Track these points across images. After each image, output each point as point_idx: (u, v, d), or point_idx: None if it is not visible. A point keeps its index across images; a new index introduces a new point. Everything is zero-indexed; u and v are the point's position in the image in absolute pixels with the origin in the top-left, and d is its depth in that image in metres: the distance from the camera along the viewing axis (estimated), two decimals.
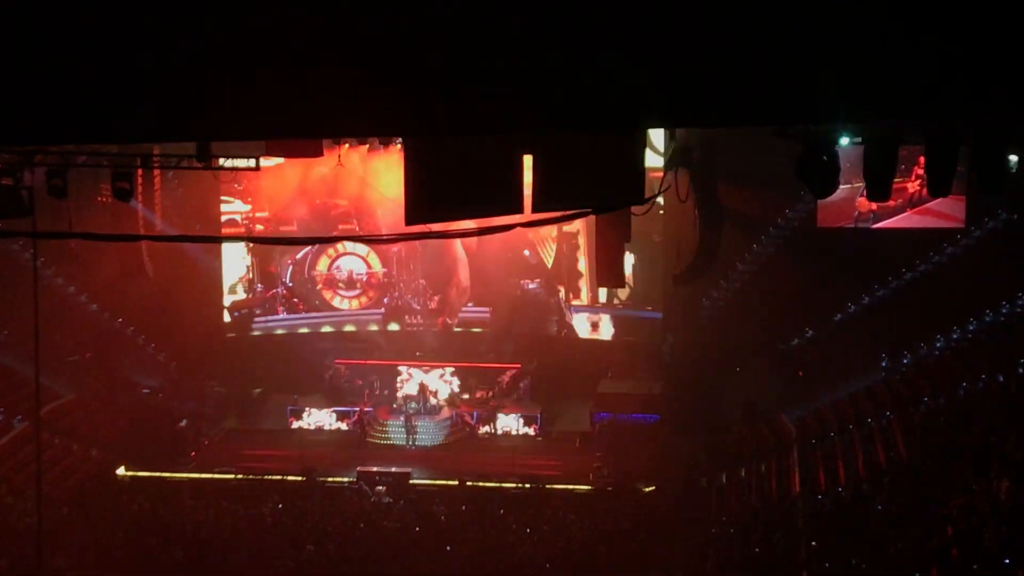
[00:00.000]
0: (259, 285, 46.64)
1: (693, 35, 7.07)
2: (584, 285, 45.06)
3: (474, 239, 44.45)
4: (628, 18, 6.97)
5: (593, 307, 45.03)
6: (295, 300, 47.14)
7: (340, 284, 47.30)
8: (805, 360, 40.78)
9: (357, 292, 47.35)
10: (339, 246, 46.42)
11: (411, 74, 7.02)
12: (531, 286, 45.58)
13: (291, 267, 47.05)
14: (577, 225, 43.38)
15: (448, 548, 31.82)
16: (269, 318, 46.65)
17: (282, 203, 44.88)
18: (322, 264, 47.26)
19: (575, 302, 45.34)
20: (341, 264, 47.24)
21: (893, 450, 32.36)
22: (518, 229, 43.12)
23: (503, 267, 45.36)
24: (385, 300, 47.10)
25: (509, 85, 7.16)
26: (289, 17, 6.86)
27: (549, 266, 45.31)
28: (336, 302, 47.44)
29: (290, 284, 47.07)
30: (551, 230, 43.96)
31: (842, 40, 7.08)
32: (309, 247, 46.41)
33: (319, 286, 47.29)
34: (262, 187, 43.43)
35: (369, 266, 47.21)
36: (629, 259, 32.80)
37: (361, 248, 46.60)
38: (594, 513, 34.11)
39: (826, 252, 37.67)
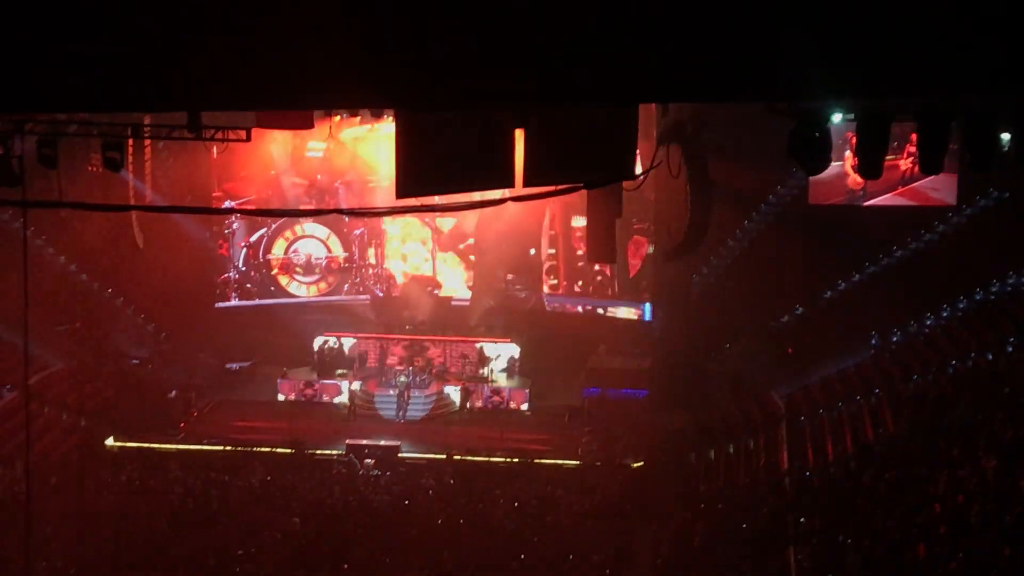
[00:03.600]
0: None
1: (686, 11, 7.05)
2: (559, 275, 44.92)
3: (473, 225, 44.30)
4: None
5: (571, 297, 44.75)
6: (248, 285, 45.68)
7: (297, 269, 45.94)
8: (795, 337, 40.81)
9: (316, 278, 46.14)
10: (297, 229, 45.36)
11: (404, 47, 7.00)
12: (516, 283, 45.22)
13: (244, 250, 45.59)
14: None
15: (438, 521, 31.87)
16: (222, 304, 45.46)
17: (238, 181, 43.51)
18: (278, 247, 45.87)
19: (548, 293, 45.09)
20: (299, 248, 45.95)
21: (881, 427, 32.41)
22: (527, 222, 43.34)
23: (492, 255, 44.94)
24: (345, 287, 46.32)
25: (502, 59, 7.14)
26: None
27: (543, 263, 44.82)
28: (293, 288, 46.13)
29: (243, 268, 45.59)
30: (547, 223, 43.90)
31: (834, 17, 7.07)
32: (265, 229, 45.09)
33: (274, 271, 45.93)
34: (215, 165, 42.17)
35: (329, 250, 45.99)
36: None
37: (321, 231, 45.44)
38: (582, 488, 34.18)
39: (817, 229, 37.65)
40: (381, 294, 45.93)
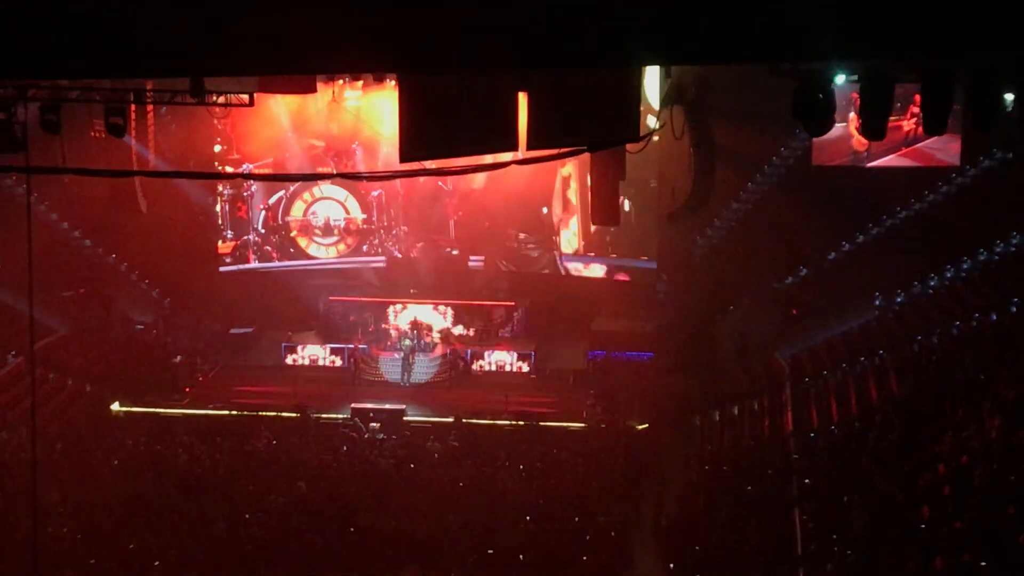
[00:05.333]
0: (229, 232, 45.47)
1: None
2: (577, 235, 44.72)
3: (482, 185, 44.20)
4: None
5: (586, 256, 44.66)
6: (267, 248, 45.87)
7: (316, 231, 46.07)
8: (799, 298, 40.82)
9: (335, 239, 46.20)
10: (316, 191, 45.44)
11: (406, 10, 6.99)
12: (528, 242, 45.12)
13: (264, 213, 45.79)
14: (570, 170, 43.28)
15: (443, 485, 31.91)
16: (241, 266, 45.59)
17: (256, 142, 43.56)
18: (297, 210, 46.03)
19: (566, 251, 44.95)
20: (317, 210, 46.07)
21: (885, 388, 32.45)
22: (539, 183, 43.20)
23: (504, 216, 44.85)
24: (364, 248, 46.30)
25: (505, 22, 7.13)
26: None
27: (556, 223, 44.68)
28: (312, 250, 46.27)
29: (262, 231, 45.85)
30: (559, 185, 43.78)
31: None
32: (283, 191, 45.22)
33: (293, 232, 46.09)
34: (235, 125, 42.38)
35: (347, 211, 46.04)
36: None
37: (339, 193, 45.53)
38: (587, 450, 34.23)
39: (821, 190, 37.56)
40: (400, 255, 45.91)
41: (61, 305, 40.37)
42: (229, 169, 43.29)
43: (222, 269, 45.01)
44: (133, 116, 28.37)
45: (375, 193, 45.27)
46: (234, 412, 37.32)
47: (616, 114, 15.18)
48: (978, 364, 29.64)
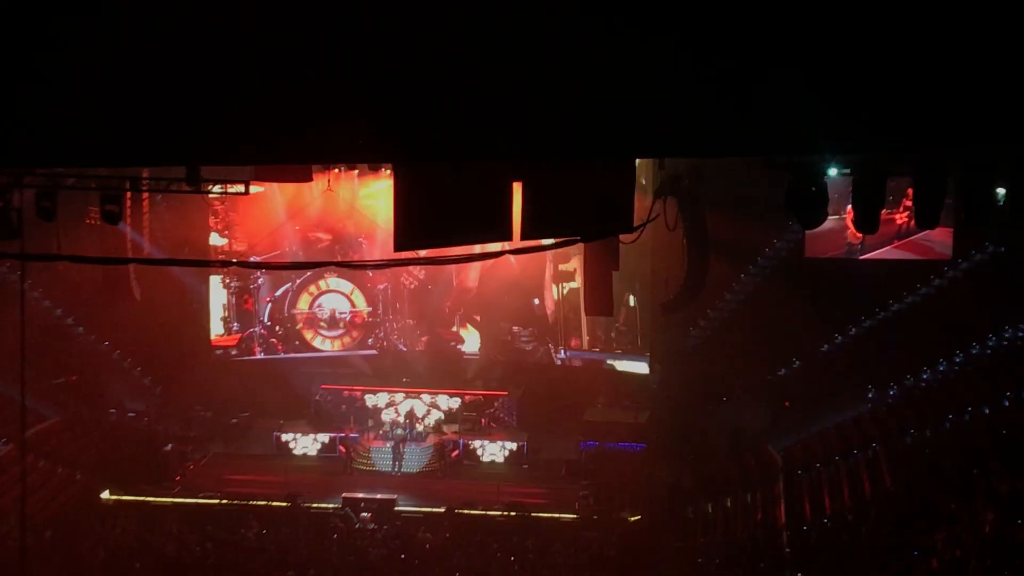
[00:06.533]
0: (235, 324, 45.14)
1: (682, 68, 7.10)
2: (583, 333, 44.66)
3: (476, 278, 44.23)
4: (618, 51, 7.00)
5: (589, 351, 44.59)
6: (273, 340, 45.52)
7: (322, 324, 45.72)
8: (792, 391, 40.76)
9: (340, 332, 45.85)
10: (322, 283, 45.42)
11: (401, 101, 7.04)
12: (522, 335, 45.06)
13: (269, 305, 45.51)
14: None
15: None
16: (244, 358, 45.21)
17: (262, 235, 43.71)
18: (303, 302, 45.75)
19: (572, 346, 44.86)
20: (323, 302, 45.78)
21: (879, 481, 32.36)
22: (529, 274, 43.18)
23: (497, 310, 44.84)
24: (369, 341, 46.22)
25: (499, 113, 7.18)
26: (279, 44, 6.88)
27: (549, 315, 44.67)
28: (317, 342, 45.93)
29: (268, 323, 45.52)
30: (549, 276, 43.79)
31: (831, 73, 7.12)
32: (289, 284, 45.31)
33: (299, 325, 45.77)
34: (241, 218, 42.67)
35: (353, 305, 45.78)
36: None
37: (345, 286, 45.54)
38: (579, 542, 34.06)
39: (814, 283, 37.60)
40: (405, 348, 45.83)
41: (53, 392, 40.22)
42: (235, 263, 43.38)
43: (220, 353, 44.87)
44: (129, 203, 28.47)
45: (381, 286, 45.28)
46: (224, 501, 37.12)
47: (610, 205, 15.23)
48: (972, 458, 29.59)
